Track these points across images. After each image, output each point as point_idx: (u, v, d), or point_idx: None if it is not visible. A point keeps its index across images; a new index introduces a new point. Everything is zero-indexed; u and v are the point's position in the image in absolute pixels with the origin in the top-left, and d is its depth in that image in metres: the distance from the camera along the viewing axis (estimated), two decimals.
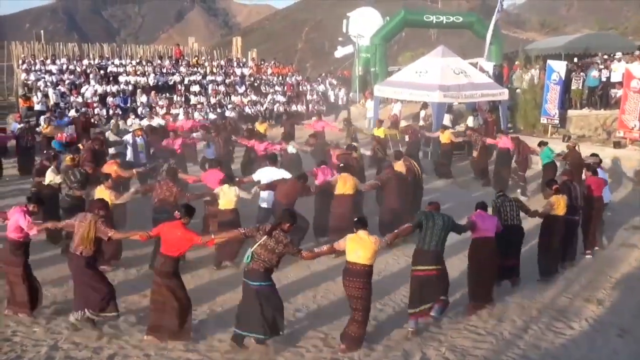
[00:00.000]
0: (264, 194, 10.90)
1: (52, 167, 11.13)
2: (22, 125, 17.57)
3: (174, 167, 11.14)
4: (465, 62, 21.07)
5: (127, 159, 13.76)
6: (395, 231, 8.03)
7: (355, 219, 7.64)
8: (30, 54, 27.25)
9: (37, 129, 16.81)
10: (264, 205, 10.99)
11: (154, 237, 7.73)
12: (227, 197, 10.01)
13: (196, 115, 22.82)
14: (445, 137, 17.34)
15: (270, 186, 10.65)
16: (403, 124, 20.45)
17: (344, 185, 10.94)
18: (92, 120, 21.37)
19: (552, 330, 8.09)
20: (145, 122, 18.70)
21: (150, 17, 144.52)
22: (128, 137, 14.86)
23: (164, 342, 7.35)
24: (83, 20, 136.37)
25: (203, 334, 7.70)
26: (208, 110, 24.55)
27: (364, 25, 29.42)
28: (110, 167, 11.37)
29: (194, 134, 16.76)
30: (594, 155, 13.60)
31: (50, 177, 10.93)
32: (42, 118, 19.42)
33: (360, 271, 7.23)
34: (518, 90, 22.59)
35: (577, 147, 14.61)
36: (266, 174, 11.27)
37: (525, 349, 7.55)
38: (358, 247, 7.26)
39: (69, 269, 7.75)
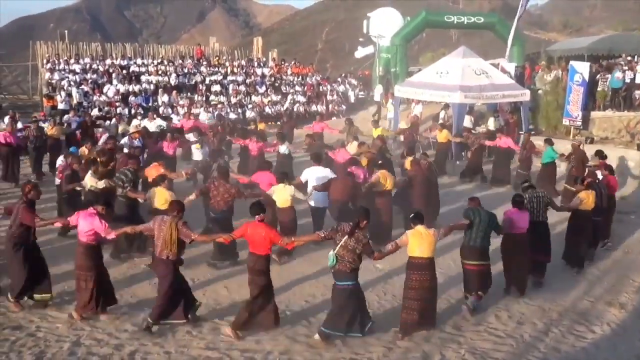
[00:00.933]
0: (315, 194, 11.07)
1: (90, 171, 10.75)
2: (30, 125, 17.05)
3: (226, 167, 11.17)
4: (486, 62, 20.91)
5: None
6: (450, 225, 8.48)
7: (412, 215, 7.88)
8: (55, 54, 27.60)
9: (44, 129, 16.32)
10: (314, 204, 11.13)
11: (237, 239, 7.86)
12: (282, 196, 10.20)
13: (202, 115, 22.83)
14: (442, 137, 17.45)
15: (325, 187, 10.87)
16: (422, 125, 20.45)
17: (385, 182, 11.19)
18: (97, 121, 21.12)
19: (573, 333, 8.02)
20: (146, 123, 18.49)
21: (172, 17, 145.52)
22: (125, 140, 14.80)
23: (241, 340, 7.48)
24: (106, 20, 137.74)
25: (223, 331, 7.74)
26: (228, 110, 24.66)
27: (384, 25, 29.32)
28: (155, 170, 11.22)
29: (187, 135, 16.50)
30: (599, 152, 13.52)
31: (92, 181, 10.61)
32: (46, 122, 18.91)
33: (425, 264, 7.62)
34: (540, 92, 22.37)
35: (581, 146, 14.94)
36: (313, 173, 11.46)
37: (545, 352, 7.50)
38: (420, 241, 7.56)
39: (156, 275, 7.73)
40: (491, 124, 19.82)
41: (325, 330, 7.44)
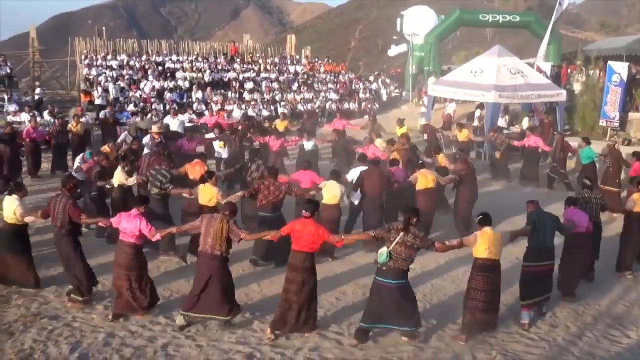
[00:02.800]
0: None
1: (120, 167, 10.83)
2: (54, 121, 17.37)
3: (275, 167, 11.22)
4: (522, 62, 20.66)
5: None
6: (517, 230, 8.53)
7: (480, 216, 7.81)
8: (92, 50, 28.08)
9: (68, 126, 16.36)
10: (356, 201, 11.16)
11: (284, 236, 7.87)
12: (332, 192, 10.26)
13: (235, 112, 23.02)
14: (462, 136, 17.39)
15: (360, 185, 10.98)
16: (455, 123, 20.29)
17: (425, 180, 11.26)
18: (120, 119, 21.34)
19: (607, 338, 7.89)
20: (168, 120, 18.53)
21: (206, 15, 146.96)
22: (147, 139, 14.68)
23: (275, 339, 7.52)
24: (142, 17, 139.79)
25: (255, 327, 7.83)
26: (261, 107, 24.82)
27: (418, 23, 29.21)
28: (199, 166, 11.27)
29: (207, 135, 16.49)
30: (636, 153, 13.35)
31: (122, 178, 10.68)
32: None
33: (492, 266, 7.63)
34: (576, 92, 22.01)
35: (616, 146, 14.82)
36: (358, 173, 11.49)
37: (579, 356, 7.39)
38: (488, 243, 7.54)
39: (201, 272, 7.69)
40: (525, 123, 19.60)
41: (363, 325, 7.43)
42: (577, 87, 22.46)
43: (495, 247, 7.57)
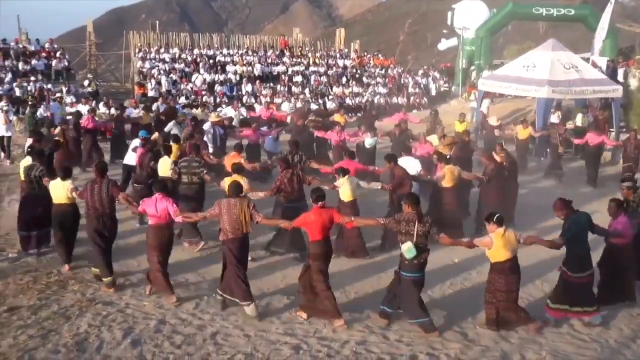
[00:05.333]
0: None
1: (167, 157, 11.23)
2: (116, 112, 18.01)
3: (307, 161, 11.55)
4: (576, 56, 20.10)
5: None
6: (544, 239, 8.11)
7: (493, 216, 7.54)
8: (146, 43, 28.72)
9: (130, 115, 17.03)
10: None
11: (296, 227, 8.21)
12: (345, 190, 10.16)
13: (284, 106, 23.18)
14: (524, 133, 16.85)
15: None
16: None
17: (450, 177, 11.14)
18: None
19: None
20: (229, 112, 18.82)
21: (257, 8, 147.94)
22: (207, 126, 15.02)
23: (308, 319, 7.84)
24: (194, 11, 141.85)
25: (301, 320, 7.90)
26: (310, 101, 24.93)
27: (469, 17, 28.77)
28: (234, 159, 11.47)
29: (262, 128, 16.56)
30: None
31: (165, 167, 10.99)
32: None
33: (512, 267, 7.49)
34: (633, 88, 21.29)
35: None
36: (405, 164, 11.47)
37: (632, 359, 7.19)
38: (506, 245, 7.40)
39: (242, 255, 8.00)
40: (579, 120, 19.09)
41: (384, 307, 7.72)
42: (634, 83, 21.73)
43: (512, 247, 7.44)
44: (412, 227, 7.23)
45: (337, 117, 18.61)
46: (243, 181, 9.73)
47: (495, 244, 7.38)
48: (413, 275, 7.40)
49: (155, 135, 13.85)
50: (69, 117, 16.87)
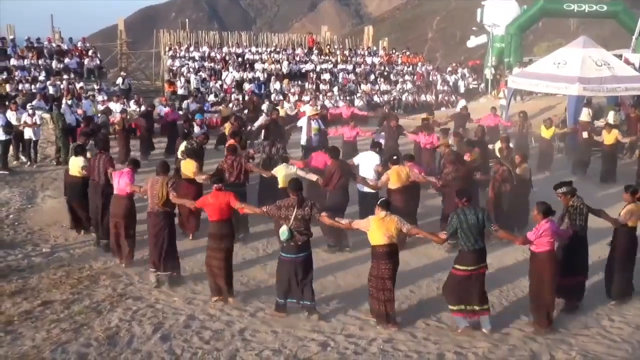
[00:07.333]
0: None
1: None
2: (167, 107, 18.79)
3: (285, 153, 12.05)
4: (608, 53, 19.72)
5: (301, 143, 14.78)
6: (427, 233, 8.07)
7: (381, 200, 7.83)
8: (176, 42, 28.98)
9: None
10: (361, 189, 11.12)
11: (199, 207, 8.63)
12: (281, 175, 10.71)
13: (327, 103, 23.20)
14: (548, 133, 16.26)
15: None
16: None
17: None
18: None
19: None
20: (306, 108, 18.87)
21: (285, 6, 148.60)
22: (303, 120, 14.99)
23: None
24: (223, 10, 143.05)
25: (327, 316, 7.94)
26: (338, 99, 24.91)
27: (499, 14, 28.44)
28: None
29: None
30: None
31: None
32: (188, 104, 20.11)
33: (386, 254, 7.52)
34: None
35: None
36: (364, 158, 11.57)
37: None
38: (379, 226, 7.50)
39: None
40: (611, 117, 18.72)
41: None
42: None
43: (389, 233, 7.43)
44: (290, 212, 7.62)
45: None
46: (192, 164, 10.60)
47: (372, 227, 7.50)
48: (290, 256, 7.71)
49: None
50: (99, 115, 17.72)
